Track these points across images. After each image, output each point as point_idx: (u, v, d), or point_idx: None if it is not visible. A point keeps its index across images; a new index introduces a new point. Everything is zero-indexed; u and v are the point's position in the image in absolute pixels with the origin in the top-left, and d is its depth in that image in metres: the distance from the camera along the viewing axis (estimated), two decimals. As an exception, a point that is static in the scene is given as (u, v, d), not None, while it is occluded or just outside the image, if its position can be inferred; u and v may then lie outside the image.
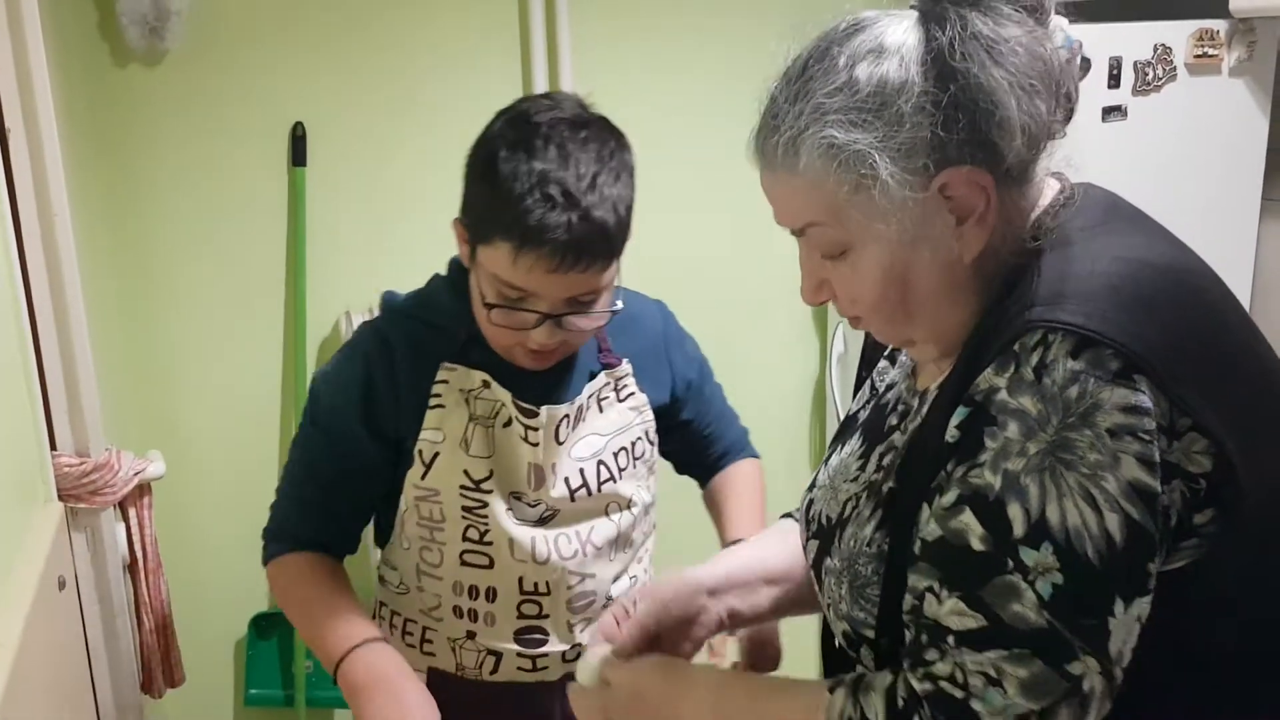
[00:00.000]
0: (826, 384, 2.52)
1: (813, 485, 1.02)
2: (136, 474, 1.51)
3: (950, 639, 0.74)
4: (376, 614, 1.32)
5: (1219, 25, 1.95)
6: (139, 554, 1.57)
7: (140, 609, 1.60)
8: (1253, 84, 2.01)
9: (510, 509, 1.20)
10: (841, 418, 1.12)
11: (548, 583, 1.22)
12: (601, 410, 1.25)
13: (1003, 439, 0.74)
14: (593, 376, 1.25)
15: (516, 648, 1.23)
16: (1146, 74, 1.92)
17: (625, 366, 1.27)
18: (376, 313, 1.33)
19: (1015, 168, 0.79)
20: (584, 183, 1.07)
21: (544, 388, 1.21)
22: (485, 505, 1.19)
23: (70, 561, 1.41)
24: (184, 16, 1.90)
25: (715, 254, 2.33)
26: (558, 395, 1.21)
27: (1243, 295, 2.12)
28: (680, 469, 1.42)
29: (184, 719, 2.13)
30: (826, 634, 1.00)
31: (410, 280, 1.30)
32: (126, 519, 1.56)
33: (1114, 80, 1.91)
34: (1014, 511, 0.72)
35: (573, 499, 1.22)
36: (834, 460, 0.99)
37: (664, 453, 1.35)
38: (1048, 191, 0.84)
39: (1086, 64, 1.88)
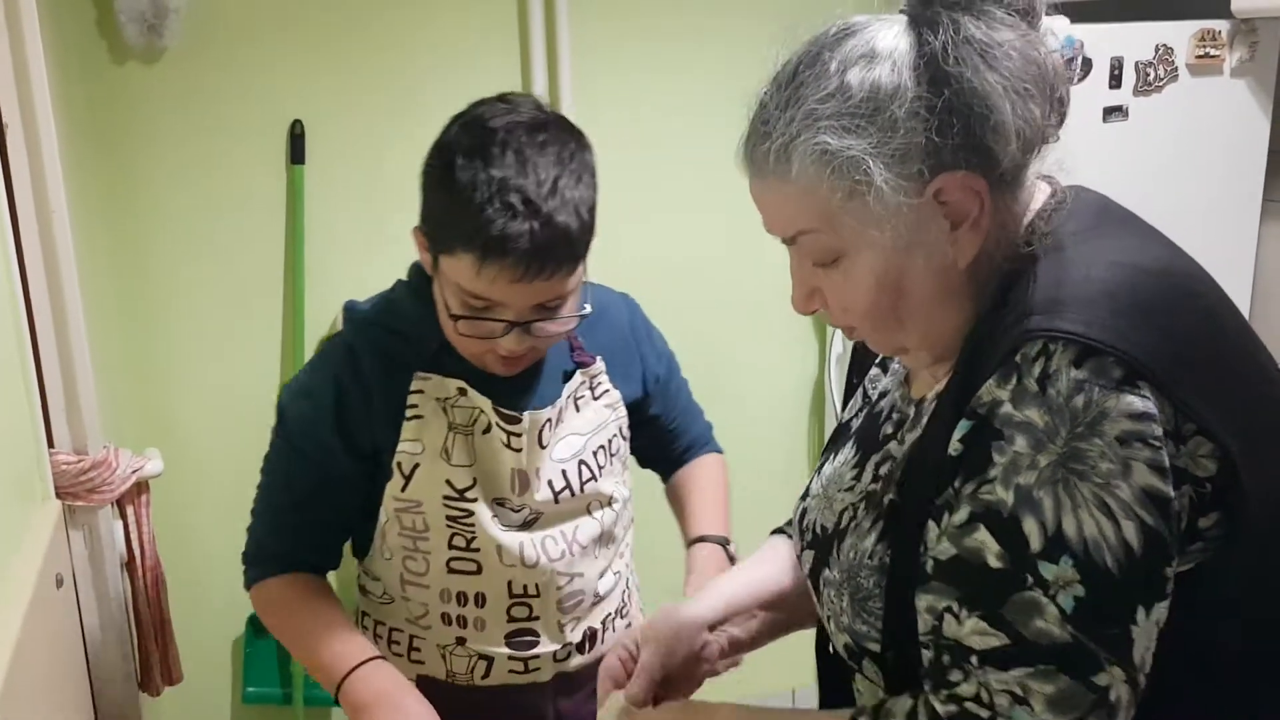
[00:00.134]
0: (825, 385, 2.52)
1: (806, 494, 1.01)
2: (134, 472, 1.51)
3: (973, 659, 0.74)
4: (360, 624, 1.31)
5: (1220, 26, 1.95)
6: (136, 552, 1.57)
7: (138, 607, 1.60)
8: (1254, 84, 2.01)
9: (495, 515, 1.19)
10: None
11: (537, 585, 1.21)
12: (578, 410, 1.24)
13: (1011, 453, 0.73)
14: (568, 377, 1.24)
15: (508, 651, 1.23)
16: (1148, 74, 1.92)
17: (599, 364, 1.26)
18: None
19: (1009, 172, 0.79)
20: (544, 188, 1.05)
21: (522, 392, 1.20)
22: (470, 514, 1.18)
23: (68, 559, 1.41)
24: (182, 14, 1.90)
25: (714, 254, 2.33)
26: (538, 399, 1.21)
27: (1243, 296, 2.12)
28: (644, 463, 1.41)
29: (182, 717, 2.13)
30: (821, 642, 1.00)
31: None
32: (124, 517, 1.55)
33: (1115, 80, 1.91)
34: (1030, 526, 0.72)
35: (556, 501, 1.21)
36: (827, 469, 0.98)
37: (630, 447, 1.35)
38: (1039, 195, 0.84)
39: (1088, 64, 1.88)
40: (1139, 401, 0.71)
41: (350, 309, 1.26)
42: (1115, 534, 0.70)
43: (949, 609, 0.75)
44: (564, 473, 1.22)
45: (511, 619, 1.22)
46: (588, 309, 1.16)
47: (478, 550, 1.19)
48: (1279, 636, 0.78)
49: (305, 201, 2.07)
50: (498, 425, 1.18)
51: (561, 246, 1.06)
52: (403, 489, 1.18)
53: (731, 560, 1.31)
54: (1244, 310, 2.11)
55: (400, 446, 1.17)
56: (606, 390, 1.26)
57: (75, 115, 1.83)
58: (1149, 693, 0.73)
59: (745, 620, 1.01)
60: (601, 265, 2.25)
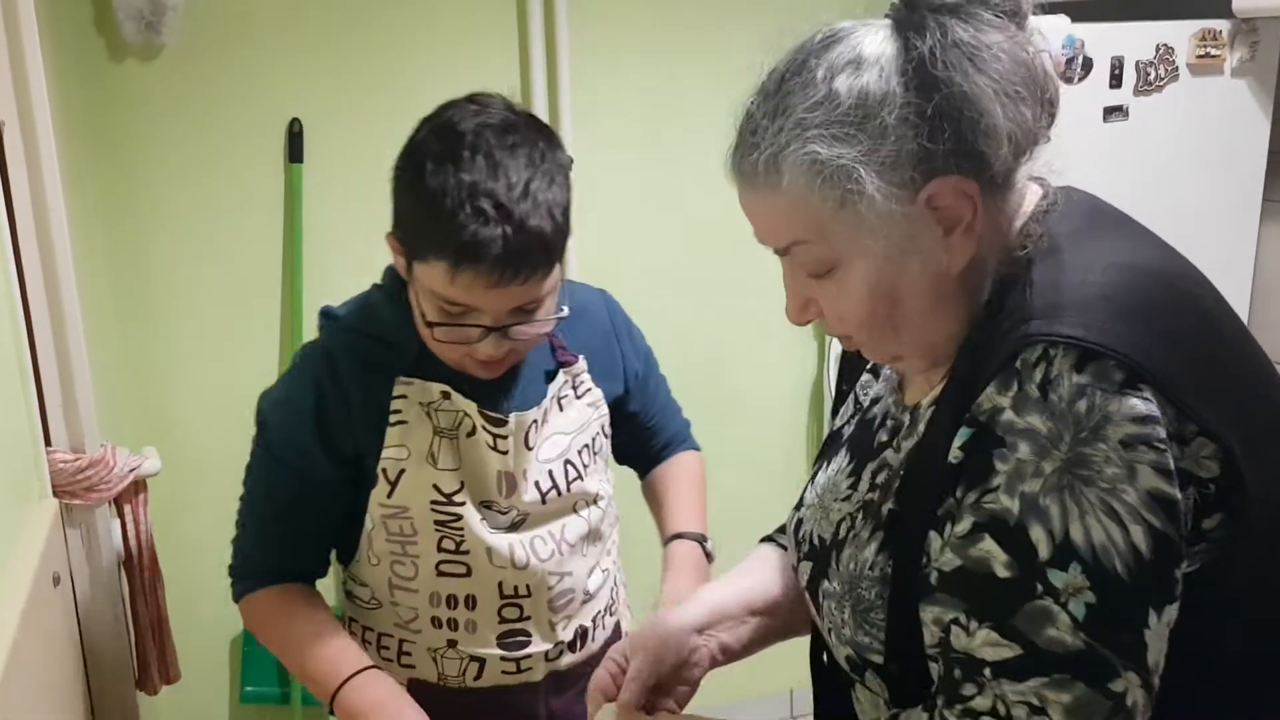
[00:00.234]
0: (825, 385, 2.51)
1: (800, 504, 1.00)
2: (132, 471, 1.51)
3: (987, 671, 0.73)
4: (347, 630, 1.29)
5: (1221, 25, 1.94)
6: (134, 551, 1.57)
7: (135, 606, 1.60)
8: (1255, 85, 2.00)
9: (483, 519, 1.18)
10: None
11: (528, 585, 1.21)
12: (562, 409, 1.23)
13: (1014, 461, 0.72)
14: (550, 377, 1.23)
15: (500, 652, 1.22)
16: (1148, 74, 1.92)
17: (581, 363, 1.25)
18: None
19: (1000, 175, 0.78)
20: (516, 192, 1.04)
21: (506, 394, 1.19)
22: (459, 518, 1.17)
23: (65, 558, 1.40)
24: (180, 11, 1.90)
25: (714, 254, 2.33)
26: (523, 401, 1.20)
27: (1243, 296, 2.11)
28: (621, 460, 1.40)
29: (179, 716, 2.13)
30: (816, 652, 1.00)
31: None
32: (122, 516, 1.55)
33: (1116, 80, 1.90)
34: (1037, 534, 0.71)
35: (544, 502, 1.21)
36: (821, 478, 0.98)
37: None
38: (1030, 197, 0.83)
39: (1088, 64, 1.88)
40: (1141, 404, 0.70)
41: (327, 315, 1.24)
42: (1124, 538, 0.70)
43: (956, 621, 0.75)
44: (550, 473, 1.21)
45: (503, 620, 1.22)
46: (565, 311, 1.15)
47: (467, 553, 1.18)
48: None
49: (304, 200, 2.07)
50: (483, 428, 1.17)
51: (536, 250, 1.05)
52: (389, 495, 1.17)
53: (709, 557, 1.30)
54: (1243, 310, 2.12)
55: (385, 452, 1.16)
56: (589, 389, 1.26)
57: (73, 113, 1.83)
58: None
59: (735, 626, 1.00)
60: (601, 266, 2.26)
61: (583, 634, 1.27)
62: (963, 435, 0.76)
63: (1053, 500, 0.71)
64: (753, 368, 2.48)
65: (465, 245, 1.03)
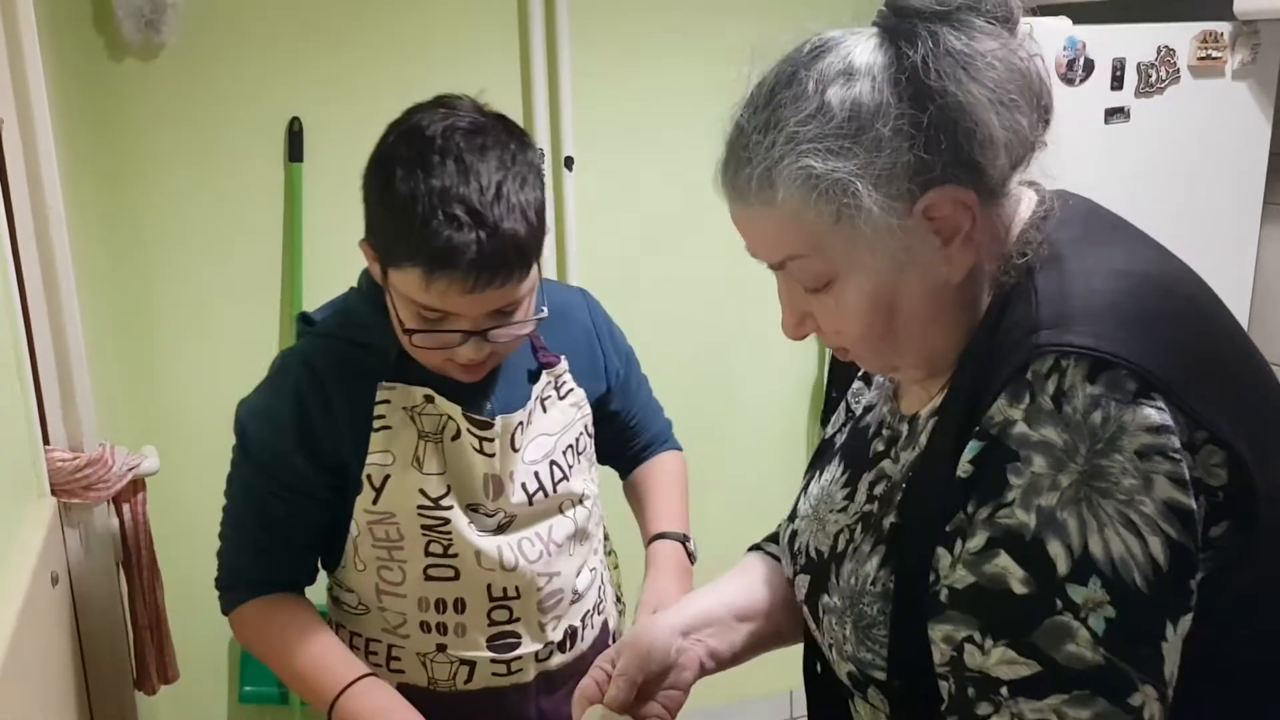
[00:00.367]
0: (824, 385, 2.51)
1: (794, 515, 0.99)
2: (130, 470, 1.50)
3: (1004, 690, 0.71)
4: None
5: (1223, 27, 1.94)
6: (133, 550, 1.56)
7: (134, 605, 1.59)
8: (1256, 87, 2.00)
9: (471, 522, 1.18)
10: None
11: (517, 587, 1.20)
12: (545, 410, 1.23)
13: (1029, 474, 0.71)
14: (533, 378, 1.22)
15: (490, 654, 1.22)
16: (1150, 76, 1.92)
17: (563, 364, 1.25)
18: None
19: (996, 183, 0.77)
20: (488, 195, 1.03)
21: (491, 396, 1.19)
22: (446, 521, 1.16)
23: (63, 557, 1.40)
24: (180, 10, 1.90)
25: (714, 254, 2.33)
26: (507, 403, 1.19)
27: (1244, 298, 2.11)
28: (602, 459, 1.38)
29: (178, 716, 2.12)
30: (809, 661, 0.99)
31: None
32: (120, 515, 1.54)
33: (1117, 82, 1.90)
34: (1055, 549, 0.70)
35: (531, 503, 1.20)
36: (814, 488, 0.96)
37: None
38: (1025, 202, 0.82)
39: (1090, 65, 1.88)
40: (1155, 414, 0.69)
41: (304, 320, 1.23)
42: (1142, 551, 0.69)
43: (970, 639, 0.73)
44: (536, 474, 1.21)
45: (492, 622, 1.21)
46: (545, 312, 1.15)
47: (455, 556, 1.18)
48: None
49: (303, 199, 2.07)
50: (468, 431, 1.16)
51: (510, 253, 1.04)
52: (374, 501, 1.16)
53: (690, 557, 1.30)
54: (1244, 312, 2.12)
55: (369, 459, 1.15)
56: (571, 389, 1.25)
57: (72, 112, 1.83)
58: None
59: (724, 632, 0.98)
60: (601, 266, 2.26)
61: (572, 634, 1.27)
62: (972, 449, 0.74)
63: (1070, 514, 0.69)
64: (752, 369, 2.48)
65: (439, 252, 1.02)
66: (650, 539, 1.32)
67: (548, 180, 2.21)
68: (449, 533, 1.16)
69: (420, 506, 1.16)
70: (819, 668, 0.97)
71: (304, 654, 1.15)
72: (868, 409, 0.96)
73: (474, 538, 1.17)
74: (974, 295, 0.80)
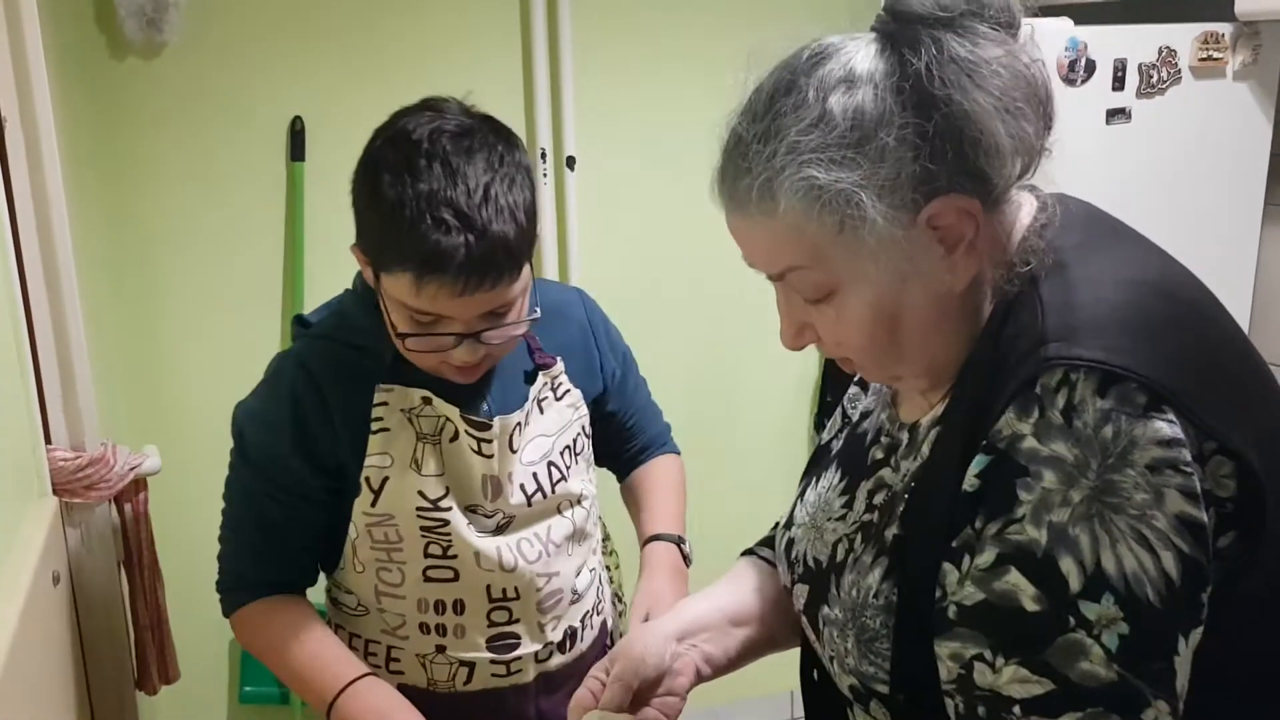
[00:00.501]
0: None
1: (790, 523, 0.97)
2: (132, 469, 1.50)
3: (1016, 709, 0.70)
4: None
5: (1224, 28, 1.94)
6: (134, 550, 1.56)
7: (135, 605, 1.59)
8: (1257, 88, 2.00)
9: (470, 523, 1.17)
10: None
11: (516, 588, 1.20)
12: (543, 412, 1.23)
13: (1040, 490, 0.70)
14: (530, 379, 1.22)
15: (490, 655, 1.21)
16: (1151, 77, 1.92)
17: (559, 365, 1.25)
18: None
19: (1000, 191, 0.76)
20: (476, 198, 1.02)
21: (488, 398, 1.19)
22: (446, 523, 1.16)
23: (64, 557, 1.40)
24: (182, 9, 1.89)
25: (714, 254, 2.32)
26: (505, 404, 1.19)
27: (1244, 300, 2.11)
28: (599, 461, 1.38)
29: (178, 716, 2.12)
30: (806, 669, 0.98)
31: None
32: (122, 514, 1.55)
33: (1118, 83, 1.90)
34: (1067, 565, 0.69)
35: (529, 504, 1.20)
36: (810, 495, 0.95)
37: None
38: (1025, 207, 0.80)
39: (1091, 66, 1.88)
40: (1167, 427, 0.68)
41: (300, 323, 1.23)
42: (1155, 566, 0.68)
43: (979, 656, 0.72)
44: (534, 475, 1.21)
45: (492, 623, 1.21)
46: (537, 312, 1.14)
47: (455, 557, 1.17)
48: None
49: (305, 198, 2.07)
50: (466, 433, 1.16)
51: (500, 255, 1.03)
52: (373, 504, 1.16)
53: (685, 559, 1.29)
54: (1245, 313, 2.11)
55: (367, 461, 1.15)
56: (568, 390, 1.25)
57: (74, 111, 1.83)
58: None
59: (719, 637, 0.97)
60: (603, 267, 2.26)
61: (572, 634, 1.27)
62: (980, 463, 0.73)
63: (1083, 530, 0.68)
64: (754, 368, 2.48)
65: (428, 256, 1.01)
66: (645, 541, 1.31)
67: (550, 181, 2.22)
68: (448, 534, 1.16)
69: (419, 508, 1.15)
70: (816, 675, 0.96)
71: (304, 654, 1.15)
72: (865, 415, 0.94)
73: (473, 539, 1.17)
74: (976, 303, 0.79)
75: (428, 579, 1.18)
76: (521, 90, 2.19)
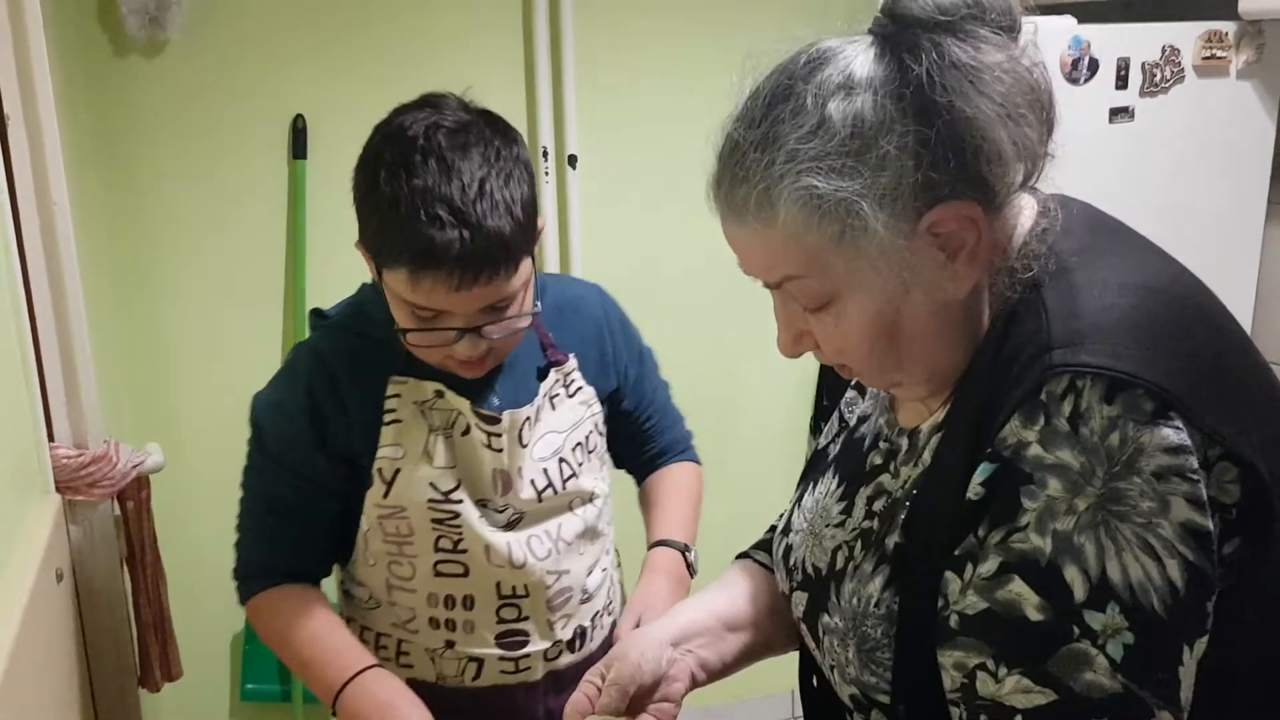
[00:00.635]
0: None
1: (787, 529, 0.97)
2: (135, 466, 1.50)
3: (1018, 719, 0.70)
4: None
5: (1227, 27, 1.94)
6: (137, 547, 1.56)
7: (138, 603, 1.59)
8: (1260, 87, 2.00)
9: (481, 515, 1.18)
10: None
11: (526, 585, 1.20)
12: (554, 408, 1.23)
13: (1044, 498, 0.69)
14: (542, 374, 1.23)
15: (498, 652, 1.22)
16: (1154, 75, 1.92)
17: (572, 362, 1.25)
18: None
19: (1002, 197, 0.75)
20: (471, 193, 1.03)
21: (499, 392, 1.19)
22: (456, 515, 1.16)
23: (68, 554, 1.40)
24: (184, 7, 1.90)
25: (716, 254, 2.32)
26: (515, 398, 1.19)
27: (1247, 299, 2.11)
28: (618, 463, 1.39)
29: (180, 713, 2.12)
30: (805, 674, 0.97)
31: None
32: (125, 512, 1.55)
33: (1121, 81, 1.90)
34: (1072, 574, 0.68)
35: (540, 500, 1.20)
36: (808, 501, 0.94)
37: (606, 446, 1.33)
38: (1026, 210, 0.79)
39: (1094, 65, 1.88)
40: (1174, 434, 0.67)
41: (318, 315, 1.24)
42: (1160, 574, 0.67)
43: (982, 666, 0.71)
44: (545, 471, 1.21)
45: (501, 620, 1.21)
46: (538, 306, 1.15)
47: (465, 552, 1.18)
48: None
49: (307, 196, 2.07)
50: (477, 426, 1.16)
51: (495, 250, 1.04)
52: (384, 495, 1.16)
53: (689, 568, 1.28)
54: (1248, 313, 2.11)
55: (380, 452, 1.15)
56: (580, 387, 1.25)
57: (77, 108, 1.83)
58: None
59: (714, 642, 0.96)
60: (604, 265, 2.26)
61: (581, 634, 1.27)
62: (984, 471, 0.72)
63: (1088, 538, 0.67)
64: (756, 367, 2.48)
65: (423, 251, 1.02)
66: (650, 545, 1.31)
67: (551, 179, 2.22)
68: (459, 527, 1.17)
69: (431, 500, 1.16)
70: (815, 682, 0.95)
71: (312, 644, 1.16)
72: (862, 419, 0.93)
73: (485, 531, 1.17)
74: (977, 309, 0.78)
75: (438, 573, 1.19)
76: (524, 88, 2.19)
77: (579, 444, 1.24)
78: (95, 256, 1.82)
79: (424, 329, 1.10)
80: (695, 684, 0.96)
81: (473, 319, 1.09)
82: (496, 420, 1.17)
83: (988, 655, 0.71)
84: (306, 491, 1.18)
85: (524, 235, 1.08)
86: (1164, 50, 1.91)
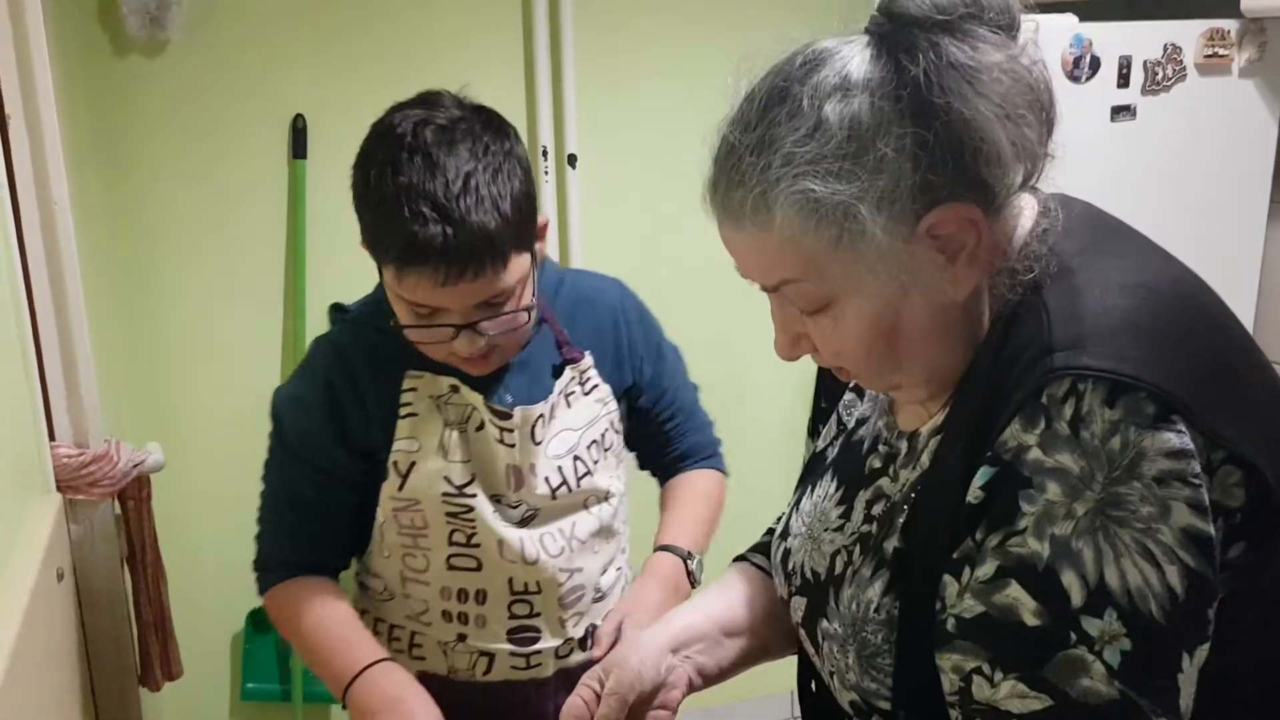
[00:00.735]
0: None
1: (785, 532, 0.96)
2: (135, 466, 1.50)
3: None
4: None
5: (1229, 25, 1.94)
6: (137, 546, 1.57)
7: (138, 602, 1.60)
8: (1263, 85, 2.00)
9: (495, 510, 1.18)
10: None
11: (538, 582, 1.21)
12: (570, 406, 1.23)
13: (1043, 502, 0.68)
14: (557, 372, 1.23)
15: (510, 647, 1.22)
16: (1156, 73, 1.91)
17: (587, 359, 1.25)
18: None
19: (1002, 198, 0.74)
20: (455, 189, 1.03)
21: (514, 387, 1.19)
22: (470, 509, 1.17)
23: (68, 553, 1.40)
24: (184, 6, 1.90)
25: (717, 253, 2.32)
26: (529, 394, 1.20)
27: (1249, 297, 2.11)
28: (641, 464, 1.39)
29: (181, 712, 2.13)
30: (804, 678, 0.97)
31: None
32: (125, 511, 1.55)
33: (1123, 80, 1.90)
34: (1069, 579, 0.67)
35: (554, 497, 1.21)
36: (806, 505, 0.94)
37: (627, 444, 1.33)
38: (1026, 211, 0.78)
39: (1096, 63, 1.87)
40: (1176, 439, 0.66)
41: (339, 310, 1.25)
42: (1159, 580, 0.66)
43: (978, 670, 0.70)
44: (560, 468, 1.21)
45: (513, 616, 1.22)
46: (535, 301, 1.15)
47: (478, 546, 1.19)
48: None
49: (307, 196, 2.07)
50: (490, 422, 1.17)
51: (481, 245, 1.03)
52: (400, 488, 1.17)
53: (690, 576, 1.27)
54: (1250, 311, 2.11)
55: (395, 445, 1.17)
56: (596, 385, 1.25)
57: (77, 107, 1.83)
58: None
59: (713, 648, 0.96)
60: (604, 264, 2.25)
61: (593, 632, 1.27)
62: (984, 474, 0.71)
63: (1086, 543, 0.66)
64: (758, 366, 2.48)
65: (406, 248, 1.03)
66: (655, 549, 1.30)
67: (551, 179, 2.22)
68: (472, 520, 1.17)
69: (445, 494, 1.17)
70: (814, 686, 0.95)
71: (325, 636, 1.16)
72: (861, 422, 0.93)
73: (498, 526, 1.18)
74: (977, 311, 0.77)
75: (451, 567, 1.20)
76: (523, 87, 2.19)
77: (594, 441, 1.24)
78: (95, 256, 1.82)
79: (421, 325, 1.10)
80: (692, 689, 0.95)
81: (468, 315, 1.09)
82: (509, 415, 1.18)
83: (984, 659, 0.70)
84: (326, 485, 1.19)
85: (513, 231, 1.07)
86: (1166, 48, 1.91)
